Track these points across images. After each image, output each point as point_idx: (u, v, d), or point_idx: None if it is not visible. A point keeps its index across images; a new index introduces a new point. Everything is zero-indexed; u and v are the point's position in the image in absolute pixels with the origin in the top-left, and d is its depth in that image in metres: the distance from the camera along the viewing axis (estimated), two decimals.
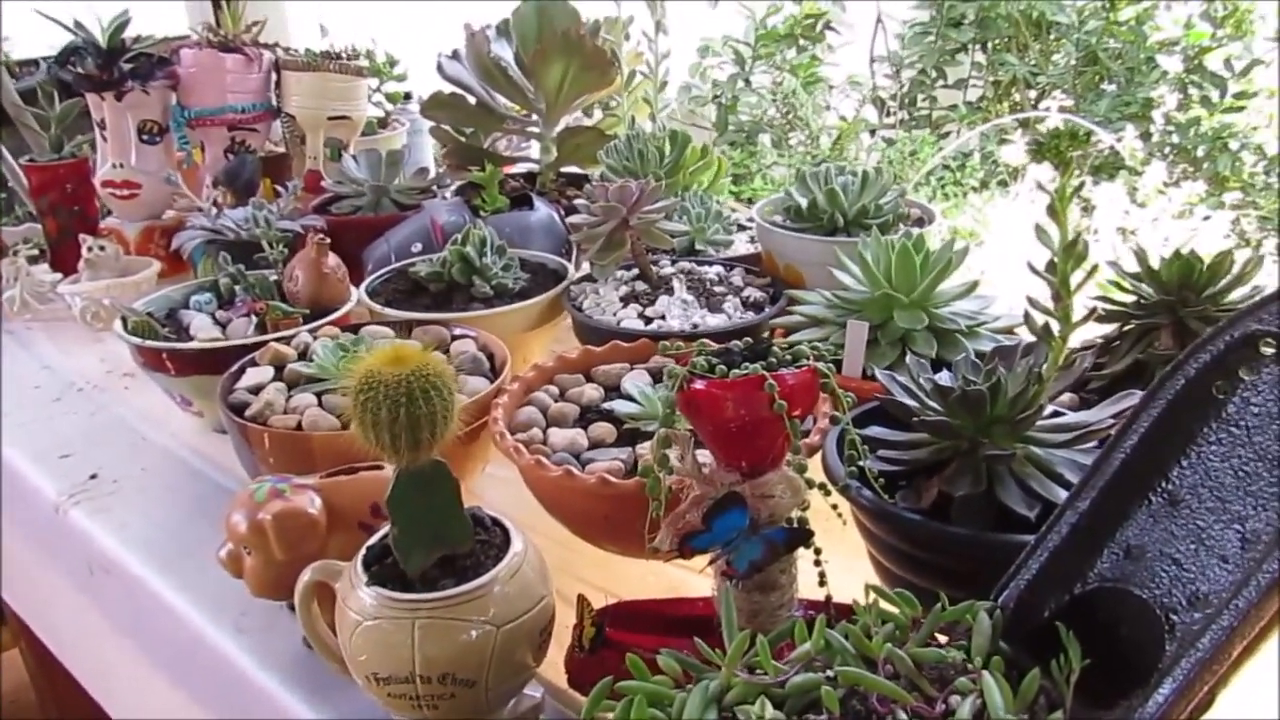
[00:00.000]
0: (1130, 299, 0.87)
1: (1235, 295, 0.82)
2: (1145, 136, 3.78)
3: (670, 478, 0.62)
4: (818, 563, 0.62)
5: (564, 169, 1.54)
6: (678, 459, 0.63)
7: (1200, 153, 3.69)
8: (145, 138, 1.46)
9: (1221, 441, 0.50)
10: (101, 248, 1.31)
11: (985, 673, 0.46)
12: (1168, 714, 0.45)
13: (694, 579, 0.79)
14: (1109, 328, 0.88)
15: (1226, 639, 0.44)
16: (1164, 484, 0.51)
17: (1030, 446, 0.67)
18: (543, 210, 1.31)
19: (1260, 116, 3.39)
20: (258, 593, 0.70)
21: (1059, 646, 0.50)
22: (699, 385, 0.59)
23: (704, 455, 0.65)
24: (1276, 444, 0.47)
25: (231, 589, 0.76)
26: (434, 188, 1.42)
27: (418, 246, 1.23)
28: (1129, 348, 0.84)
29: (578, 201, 1.11)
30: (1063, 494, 0.64)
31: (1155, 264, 0.85)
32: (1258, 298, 0.49)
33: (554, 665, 0.67)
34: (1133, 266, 0.87)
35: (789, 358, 0.61)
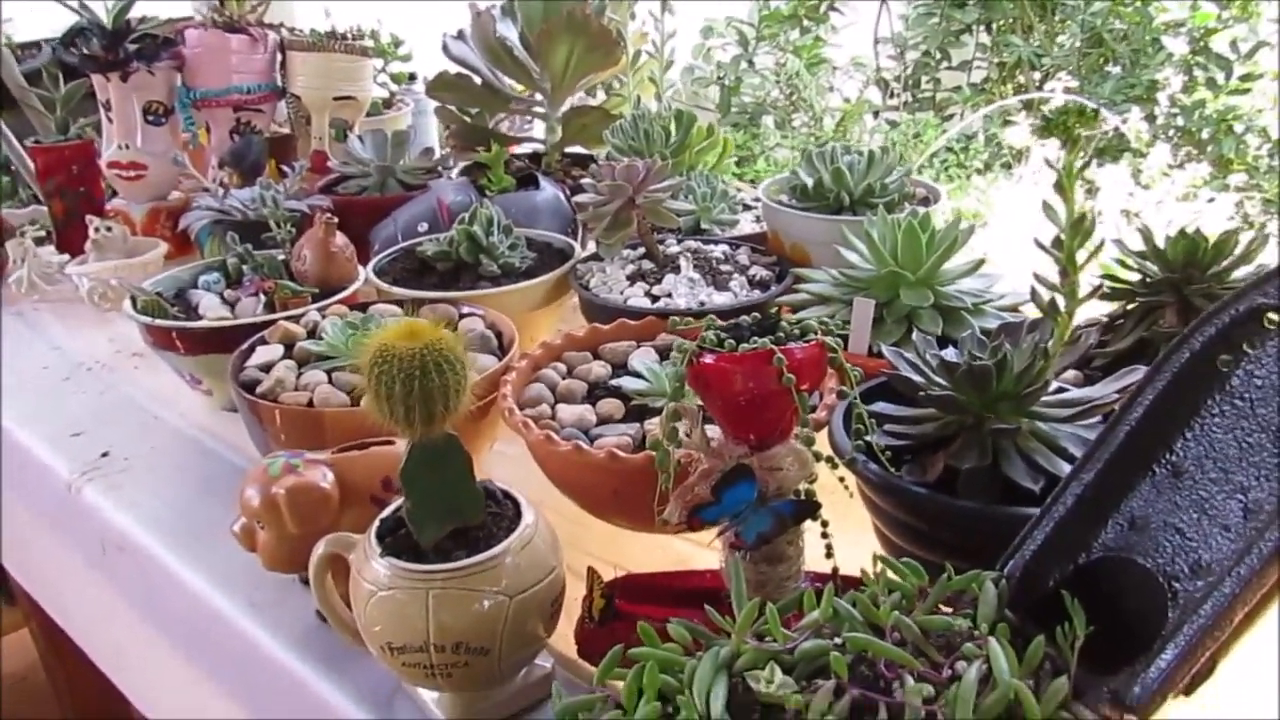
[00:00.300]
0: (1135, 277, 0.87)
1: (1239, 274, 0.82)
2: (1150, 119, 3.77)
3: (679, 451, 0.63)
4: (825, 535, 0.63)
5: (569, 149, 1.54)
6: (686, 433, 0.63)
7: (1205, 135, 3.69)
8: (150, 119, 1.46)
9: (1225, 414, 0.50)
10: (108, 229, 1.31)
11: (991, 639, 0.47)
12: (1169, 678, 0.46)
13: (702, 554, 0.80)
14: (1113, 306, 0.88)
15: (1228, 606, 0.45)
16: (1168, 456, 0.52)
17: (1035, 421, 0.67)
18: (548, 190, 1.31)
19: (1265, 99, 3.38)
20: (271, 566, 0.71)
21: (1064, 615, 0.50)
22: (708, 359, 0.60)
23: (712, 430, 0.66)
24: (1279, 415, 0.48)
25: (244, 564, 0.78)
26: (440, 168, 1.43)
27: (424, 226, 1.23)
28: (1133, 326, 0.85)
29: (584, 181, 1.11)
30: (1067, 468, 0.65)
31: (1160, 243, 0.85)
32: (1263, 272, 0.50)
33: (564, 637, 0.68)
34: (1138, 245, 0.87)
35: (797, 332, 0.62)
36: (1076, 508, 0.53)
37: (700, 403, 0.64)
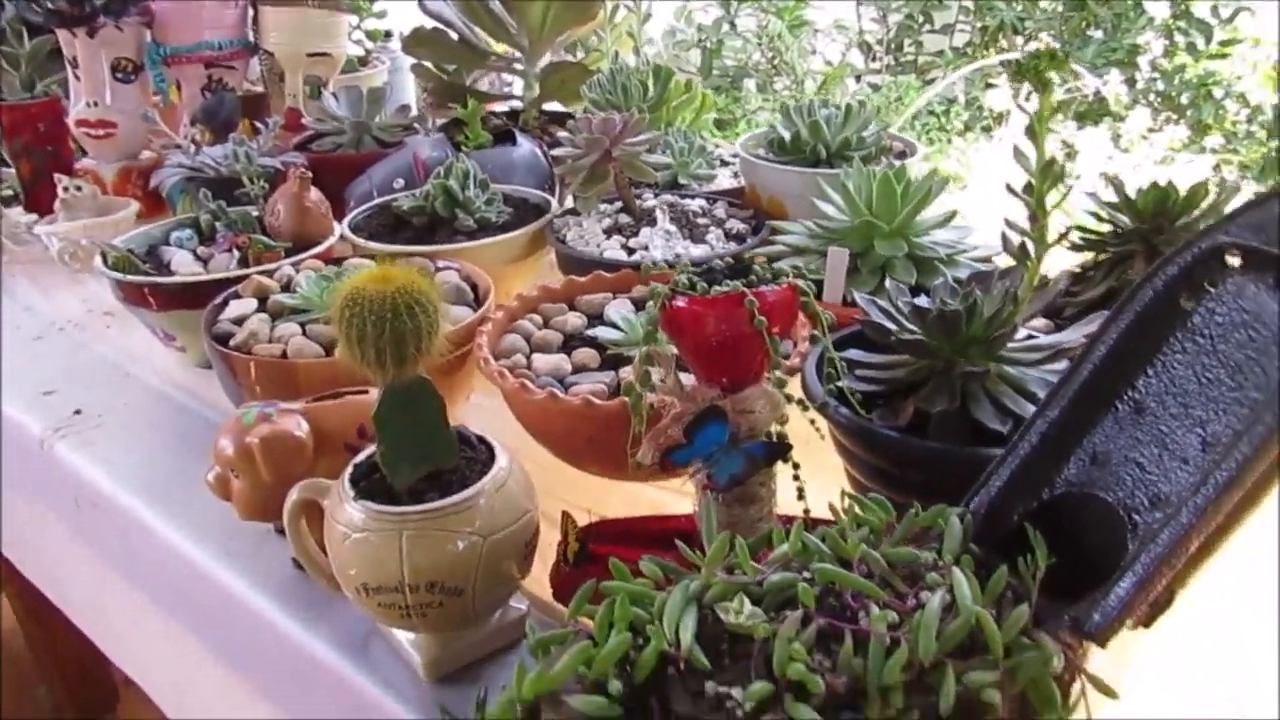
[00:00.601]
0: (1106, 229, 0.88)
1: (1209, 223, 0.83)
2: (1130, 83, 3.77)
3: (652, 396, 0.64)
4: (796, 477, 0.64)
5: (547, 106, 1.53)
6: (660, 377, 0.64)
7: (1184, 100, 3.70)
8: (119, 76, 1.44)
9: (1186, 351, 0.51)
10: (78, 188, 1.30)
11: (955, 568, 0.48)
12: (1127, 606, 0.47)
13: (676, 500, 0.80)
14: (1085, 257, 0.89)
15: (1184, 535, 0.46)
16: (1130, 393, 0.52)
17: (1004, 365, 0.68)
18: (525, 146, 1.31)
19: (1244, 65, 3.39)
20: (246, 515, 0.71)
21: (1027, 548, 0.51)
22: (681, 303, 0.60)
23: (686, 377, 0.66)
24: (1238, 351, 0.49)
25: (219, 517, 0.78)
26: (416, 125, 1.42)
27: (400, 182, 1.22)
28: (1104, 275, 0.86)
29: (561, 135, 1.10)
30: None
31: (1132, 195, 0.86)
32: (1227, 212, 0.50)
33: (539, 581, 0.69)
34: (1110, 197, 0.88)
35: (769, 276, 0.62)
36: (1041, 445, 0.54)
37: (673, 347, 0.64)
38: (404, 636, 0.65)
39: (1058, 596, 0.50)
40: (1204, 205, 0.84)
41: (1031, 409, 0.66)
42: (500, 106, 1.57)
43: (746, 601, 0.48)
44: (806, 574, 0.50)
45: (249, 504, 0.70)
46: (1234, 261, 0.50)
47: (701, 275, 0.62)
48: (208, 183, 1.16)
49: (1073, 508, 0.53)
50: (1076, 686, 0.49)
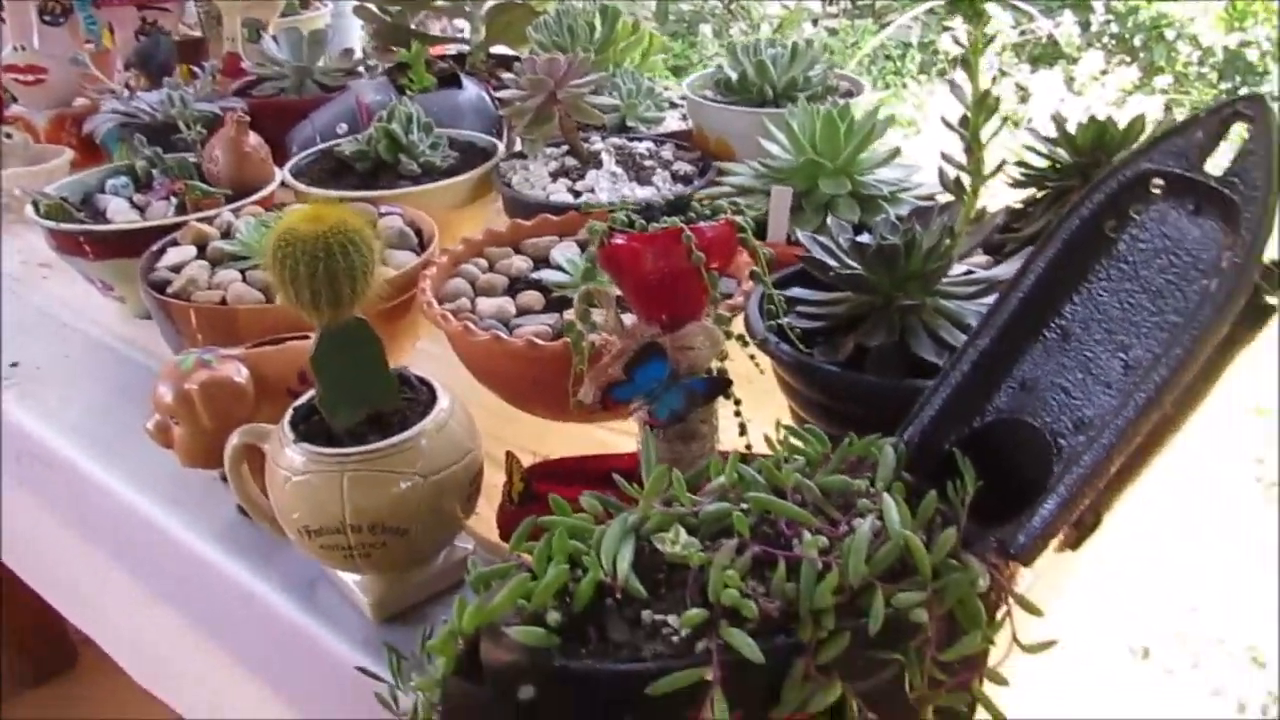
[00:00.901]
0: (1046, 164, 0.89)
1: None
2: (1084, 25, 3.78)
3: (594, 335, 0.64)
4: (738, 413, 0.64)
5: (494, 50, 1.50)
6: (601, 316, 0.64)
7: (1137, 42, 3.72)
8: (47, 18, 1.39)
9: (1111, 277, 0.52)
10: (8, 135, 1.26)
11: (885, 494, 0.49)
12: (1051, 525, 0.48)
13: (621, 441, 0.81)
14: (1027, 193, 0.90)
15: (1105, 456, 0.47)
16: (1058, 320, 0.54)
17: (941, 299, 0.69)
18: (471, 90, 1.29)
19: (1196, 7, 3.41)
20: (187, 462, 0.71)
21: (959, 475, 0.52)
22: (619, 240, 0.60)
23: (628, 317, 0.66)
24: (1160, 277, 0.50)
25: (164, 466, 0.77)
26: (360, 68, 1.39)
27: (343, 127, 1.20)
28: (1043, 211, 0.87)
29: (506, 77, 1.09)
30: None
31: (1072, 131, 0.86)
32: (1149, 138, 0.51)
33: (486, 521, 0.69)
34: (1051, 134, 0.88)
35: (708, 212, 0.62)
36: (972, 373, 0.55)
37: (615, 287, 0.64)
38: (350, 579, 0.65)
39: (991, 522, 0.52)
40: (1141, 140, 0.84)
41: None
42: (448, 50, 1.54)
43: (683, 532, 0.49)
44: (743, 504, 0.51)
45: (190, 451, 0.70)
46: (1157, 188, 0.50)
47: (640, 213, 0.62)
48: (143, 129, 1.13)
49: (1003, 435, 0.54)
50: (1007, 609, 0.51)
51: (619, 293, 0.65)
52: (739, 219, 0.62)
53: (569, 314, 0.79)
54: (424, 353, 0.92)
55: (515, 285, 0.85)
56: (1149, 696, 1.52)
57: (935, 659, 0.47)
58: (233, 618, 0.74)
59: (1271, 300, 0.50)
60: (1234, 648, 1.58)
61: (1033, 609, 0.49)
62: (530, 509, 0.67)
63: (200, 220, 0.93)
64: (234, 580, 0.72)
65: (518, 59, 1.47)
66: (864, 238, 0.73)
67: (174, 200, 0.99)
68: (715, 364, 0.63)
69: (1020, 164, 0.90)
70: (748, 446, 0.65)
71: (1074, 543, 0.59)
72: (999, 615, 0.50)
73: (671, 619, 0.47)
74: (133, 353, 1.01)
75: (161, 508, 0.80)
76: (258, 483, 0.65)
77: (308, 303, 0.55)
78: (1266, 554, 1.74)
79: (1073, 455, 0.49)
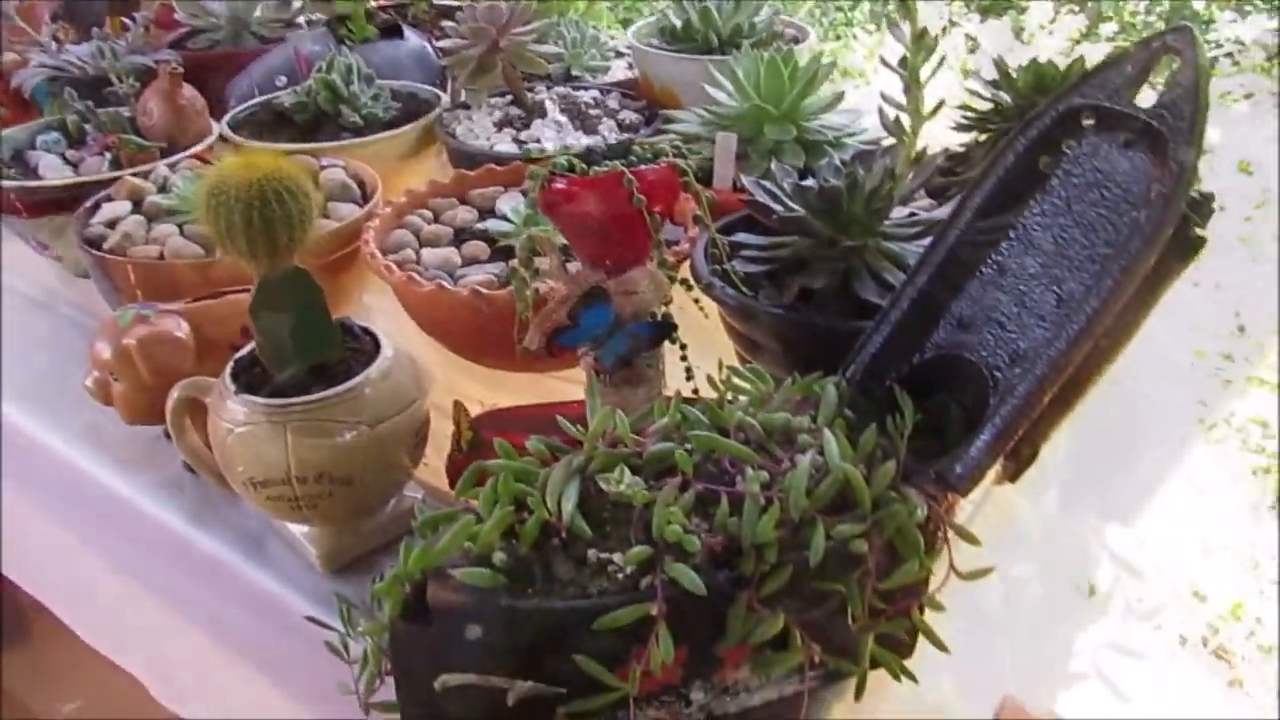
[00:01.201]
0: (987, 107, 0.89)
1: None
2: None
3: (537, 282, 0.64)
4: (684, 358, 0.64)
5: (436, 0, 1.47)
6: (544, 263, 0.64)
7: None
8: None
9: (1045, 212, 0.53)
10: None
11: (825, 429, 0.50)
12: (986, 455, 0.49)
13: (572, 390, 0.81)
14: (969, 137, 0.90)
15: (1038, 387, 0.48)
16: (994, 256, 0.54)
17: (884, 241, 0.70)
18: (414, 41, 1.26)
19: None
20: (130, 419, 0.70)
21: (899, 411, 0.53)
22: (560, 184, 0.60)
23: (574, 265, 0.66)
24: (1092, 210, 0.51)
25: (109, 426, 0.76)
26: (298, 20, 1.35)
27: (282, 80, 1.17)
28: (984, 154, 0.87)
29: (448, 25, 1.07)
30: None
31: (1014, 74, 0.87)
32: (1080, 73, 0.52)
33: (436, 471, 0.69)
34: (994, 77, 0.89)
35: (649, 156, 0.62)
36: (911, 311, 0.56)
37: (559, 235, 0.64)
38: (299, 530, 0.65)
39: (932, 453, 0.53)
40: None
41: None
42: (389, 0, 1.51)
43: (627, 472, 0.49)
44: (686, 444, 0.51)
45: (131, 407, 0.69)
46: (1088, 122, 0.51)
47: (581, 158, 0.61)
48: (74, 83, 1.10)
49: (943, 370, 0.55)
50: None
51: (563, 240, 0.65)
52: (680, 162, 0.61)
53: (513, 262, 0.78)
54: (370, 309, 0.91)
55: (460, 236, 0.84)
56: (1094, 633, 1.56)
57: (875, 588, 0.48)
58: (180, 573, 0.73)
59: (1201, 232, 0.51)
60: (1176, 582, 1.63)
61: (970, 538, 0.51)
62: (479, 455, 0.68)
63: (135, 175, 0.90)
64: (182, 536, 0.72)
65: (460, 8, 1.45)
66: (808, 182, 0.74)
67: (108, 155, 0.97)
68: (660, 309, 0.64)
69: (963, 108, 0.90)
70: (694, 391, 0.66)
71: (1012, 475, 0.60)
72: (938, 546, 0.51)
73: (617, 557, 0.47)
74: (73, 313, 0.99)
75: (108, 467, 0.79)
76: (202, 438, 0.65)
77: (244, 252, 0.55)
78: (1207, 495, 1.80)
79: (1008, 388, 0.50)
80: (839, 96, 0.92)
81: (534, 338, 0.63)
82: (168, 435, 0.77)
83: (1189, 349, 2.08)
